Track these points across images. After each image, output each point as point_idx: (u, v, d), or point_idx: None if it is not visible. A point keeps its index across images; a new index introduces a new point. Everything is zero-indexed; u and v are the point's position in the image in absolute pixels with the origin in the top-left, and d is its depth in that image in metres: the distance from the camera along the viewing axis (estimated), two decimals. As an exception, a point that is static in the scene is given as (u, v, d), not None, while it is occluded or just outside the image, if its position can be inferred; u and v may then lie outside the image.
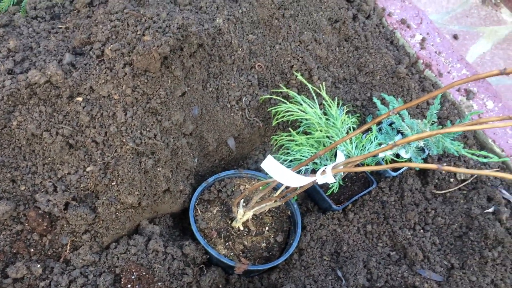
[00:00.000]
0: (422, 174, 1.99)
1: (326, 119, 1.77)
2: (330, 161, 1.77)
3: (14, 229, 1.45)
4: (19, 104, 1.48)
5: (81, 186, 1.52)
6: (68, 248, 1.50)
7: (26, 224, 1.47)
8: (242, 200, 1.66)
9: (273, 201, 1.60)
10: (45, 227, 1.48)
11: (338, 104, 1.93)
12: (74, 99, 1.53)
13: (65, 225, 1.50)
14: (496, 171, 1.99)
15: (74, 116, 1.53)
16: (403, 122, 1.80)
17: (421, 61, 2.24)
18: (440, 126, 1.97)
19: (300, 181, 1.26)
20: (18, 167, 1.49)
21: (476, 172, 1.01)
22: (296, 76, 1.92)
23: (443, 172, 1.97)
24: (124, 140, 1.54)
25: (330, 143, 1.71)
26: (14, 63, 1.57)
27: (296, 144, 1.71)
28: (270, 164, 1.21)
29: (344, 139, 1.23)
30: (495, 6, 3.34)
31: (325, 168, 1.29)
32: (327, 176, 1.27)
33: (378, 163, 1.90)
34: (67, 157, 1.53)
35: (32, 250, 1.47)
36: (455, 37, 3.00)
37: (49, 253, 1.50)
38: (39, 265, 1.45)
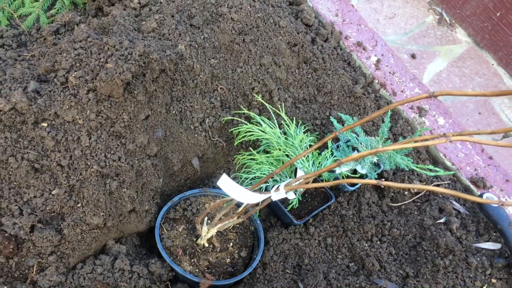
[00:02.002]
0: (379, 188, 2.10)
1: (285, 138, 1.87)
2: (290, 178, 1.86)
3: (-20, 252, 1.49)
4: (-15, 130, 1.53)
5: (47, 208, 1.57)
6: (34, 269, 1.54)
7: (-8, 248, 1.51)
8: (206, 218, 1.73)
9: (236, 217, 1.68)
10: (11, 250, 1.52)
11: (297, 123, 2.03)
12: (39, 125, 1.59)
13: (31, 247, 1.54)
14: (447, 183, 2.11)
15: (39, 141, 1.58)
16: (357, 140, 1.90)
17: (376, 81, 2.37)
18: (391, 141, 2.08)
19: (254, 198, 1.34)
20: (-16, 192, 1.53)
21: (412, 186, 1.11)
22: (257, 98, 2.02)
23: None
24: (88, 163, 1.60)
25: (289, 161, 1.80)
26: (-20, 91, 1.62)
27: (256, 163, 1.79)
28: (225, 182, 1.29)
29: (299, 156, 1.32)
30: (450, 26, 3.53)
31: (279, 186, 1.38)
32: (280, 193, 1.36)
33: (336, 179, 2.00)
34: (33, 181, 1.57)
35: (-2, 272, 1.50)
36: (413, 56, 3.17)
37: (15, 275, 1.53)
38: (6, 287, 1.48)
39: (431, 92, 1.05)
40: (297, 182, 1.41)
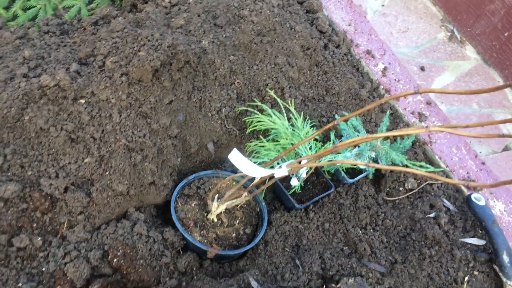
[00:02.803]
0: (376, 183, 2.28)
1: (293, 130, 2.07)
2: (294, 166, 2.05)
3: (20, 207, 1.72)
4: (31, 102, 1.77)
5: (79, 174, 1.80)
6: (65, 226, 1.77)
7: (31, 203, 1.74)
8: (217, 195, 1.94)
9: (243, 195, 1.88)
10: (46, 207, 1.74)
11: (304, 118, 2.23)
12: (78, 101, 1.82)
13: (63, 206, 1.76)
14: (440, 182, 2.29)
15: (77, 115, 1.82)
16: (358, 135, 2.10)
17: (382, 86, 2.57)
18: (390, 140, 2.28)
19: (260, 172, 1.54)
20: (27, 155, 1.77)
21: (396, 168, 1.31)
22: (270, 93, 2.23)
23: (394, 182, 2.26)
24: (117, 137, 1.83)
25: (294, 149, 2.00)
26: (28, 69, 1.87)
27: (265, 149, 2.00)
28: (235, 156, 1.50)
29: (302, 142, 1.52)
30: (460, 43, 3.71)
31: (281, 165, 1.58)
32: (282, 170, 1.56)
33: (337, 170, 2.19)
34: (69, 149, 1.81)
35: (34, 225, 1.73)
36: (422, 68, 3.36)
37: (48, 229, 1.76)
38: (39, 238, 1.71)
39: (417, 89, 1.25)
40: (303, 162, 1.62)
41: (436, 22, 3.83)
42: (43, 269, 1.68)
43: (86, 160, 1.80)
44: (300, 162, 1.57)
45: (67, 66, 1.87)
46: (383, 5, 3.78)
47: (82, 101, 1.82)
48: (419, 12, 3.83)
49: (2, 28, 2.14)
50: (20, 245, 1.67)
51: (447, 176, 2.33)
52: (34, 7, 2.22)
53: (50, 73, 1.81)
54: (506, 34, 3.37)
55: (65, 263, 1.69)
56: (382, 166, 1.37)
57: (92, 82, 1.83)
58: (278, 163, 2.01)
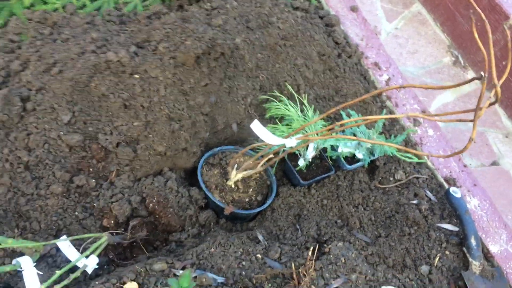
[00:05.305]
0: (371, 172, 2.68)
1: (304, 118, 2.49)
2: (303, 148, 2.46)
3: (81, 154, 2.15)
4: (98, 72, 2.21)
5: (129, 134, 2.22)
6: (113, 174, 2.19)
7: (89, 152, 2.17)
8: (236, 165, 2.36)
9: (258, 166, 2.30)
10: (101, 156, 2.17)
11: (314, 111, 2.65)
12: (133, 76, 2.26)
13: (114, 158, 2.19)
14: (425, 177, 2.67)
15: (131, 87, 2.25)
16: (358, 129, 2.51)
17: (384, 93, 2.98)
18: (385, 137, 2.68)
19: (275, 141, 1.95)
20: (89, 114, 2.21)
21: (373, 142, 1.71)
22: (287, 88, 2.65)
23: (386, 172, 2.65)
24: (161, 108, 2.26)
25: (303, 133, 2.41)
26: (96, 47, 2.32)
27: (279, 131, 2.41)
28: (256, 125, 1.92)
29: (309, 123, 1.94)
30: (463, 68, 4.10)
31: (292, 137, 1.99)
32: (292, 141, 1.97)
33: (338, 157, 2.59)
34: (122, 113, 2.24)
35: (90, 169, 2.16)
36: (425, 86, 3.75)
37: (101, 174, 2.19)
38: (93, 180, 2.14)
39: (401, 85, 1.66)
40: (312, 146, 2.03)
41: (443, 47, 4.23)
42: (94, 204, 2.10)
43: (135, 123, 2.23)
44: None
45: (127, 48, 2.31)
46: (396, 28, 4.21)
47: (137, 76, 2.26)
48: (428, 38, 4.23)
49: (73, 14, 2.60)
50: (79, 183, 2.10)
51: (433, 174, 2.72)
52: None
53: (114, 51, 2.25)
54: (504, 63, 3.76)
55: (112, 202, 2.11)
56: (369, 141, 1.76)
57: (145, 62, 2.27)
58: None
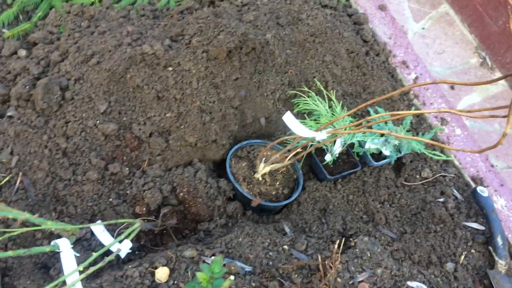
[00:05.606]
0: (397, 169, 2.69)
1: (332, 114, 2.52)
2: (330, 143, 2.49)
3: (116, 142, 2.22)
4: (133, 64, 2.28)
5: (161, 124, 2.29)
6: (146, 163, 2.26)
7: (123, 141, 2.24)
8: (264, 158, 2.40)
9: (286, 159, 2.33)
10: (135, 145, 2.24)
11: (342, 107, 2.67)
12: (167, 68, 2.32)
13: (147, 147, 2.26)
14: (452, 176, 2.67)
15: (165, 79, 2.32)
16: (386, 125, 2.53)
17: (412, 92, 2.98)
18: (412, 135, 2.69)
19: (306, 133, 1.99)
20: (124, 104, 2.28)
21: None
22: (316, 84, 2.69)
23: (412, 170, 2.66)
24: (194, 100, 2.31)
25: (332, 128, 2.44)
26: (132, 39, 2.39)
27: (307, 126, 2.45)
28: (288, 117, 1.96)
29: (338, 118, 1.97)
30: (490, 69, 4.07)
31: (322, 130, 2.02)
32: (322, 134, 2.00)
33: (364, 154, 2.61)
34: (155, 105, 2.30)
35: (124, 158, 2.23)
36: (452, 87, 3.74)
37: (133, 163, 2.25)
38: (127, 169, 2.21)
39: (433, 81, 1.68)
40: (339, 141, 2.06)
41: (471, 48, 4.20)
42: (128, 191, 2.17)
43: (167, 115, 2.29)
44: (336, 135, 2.01)
45: (161, 41, 2.38)
46: (423, 28, 4.20)
47: (170, 68, 2.32)
48: (455, 38, 4.21)
49: (109, 8, 2.68)
50: (113, 171, 2.17)
51: (460, 172, 2.72)
52: (134, -6, 2.76)
53: (149, 43, 2.32)
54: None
55: (144, 190, 2.18)
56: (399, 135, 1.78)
57: (179, 55, 2.33)
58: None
